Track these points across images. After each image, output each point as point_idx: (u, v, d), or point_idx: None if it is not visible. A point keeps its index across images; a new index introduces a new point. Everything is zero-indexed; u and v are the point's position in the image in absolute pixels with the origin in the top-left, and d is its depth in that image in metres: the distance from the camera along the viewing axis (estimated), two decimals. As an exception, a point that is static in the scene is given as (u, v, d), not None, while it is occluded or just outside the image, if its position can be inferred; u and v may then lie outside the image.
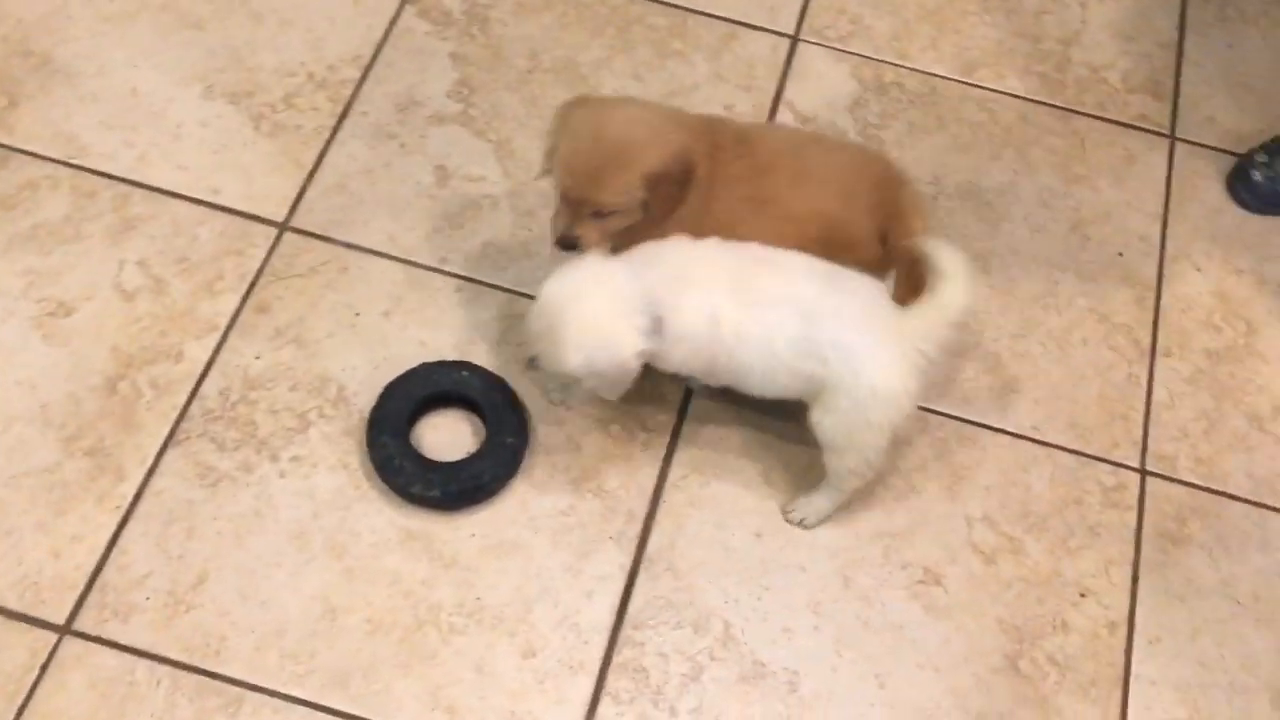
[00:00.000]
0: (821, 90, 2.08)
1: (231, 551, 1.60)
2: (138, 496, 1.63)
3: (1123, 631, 1.65)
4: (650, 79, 2.05)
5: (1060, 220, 1.99)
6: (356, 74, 2.01)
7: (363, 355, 1.76)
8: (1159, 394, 1.84)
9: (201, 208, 1.86)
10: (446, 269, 1.84)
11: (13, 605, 1.55)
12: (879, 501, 1.71)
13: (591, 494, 1.68)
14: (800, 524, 1.67)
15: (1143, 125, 2.10)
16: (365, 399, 1.71)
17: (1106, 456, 1.78)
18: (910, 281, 1.56)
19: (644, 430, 1.73)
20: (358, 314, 1.79)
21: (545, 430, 1.72)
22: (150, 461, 1.65)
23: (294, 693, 1.52)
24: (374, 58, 2.03)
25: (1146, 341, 1.88)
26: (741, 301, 1.49)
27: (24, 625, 1.54)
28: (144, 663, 1.52)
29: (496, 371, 1.72)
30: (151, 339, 1.74)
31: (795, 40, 2.13)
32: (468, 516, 1.65)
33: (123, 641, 1.54)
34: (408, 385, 1.69)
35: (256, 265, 1.82)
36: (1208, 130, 2.11)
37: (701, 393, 1.75)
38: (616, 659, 1.57)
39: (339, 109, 1.97)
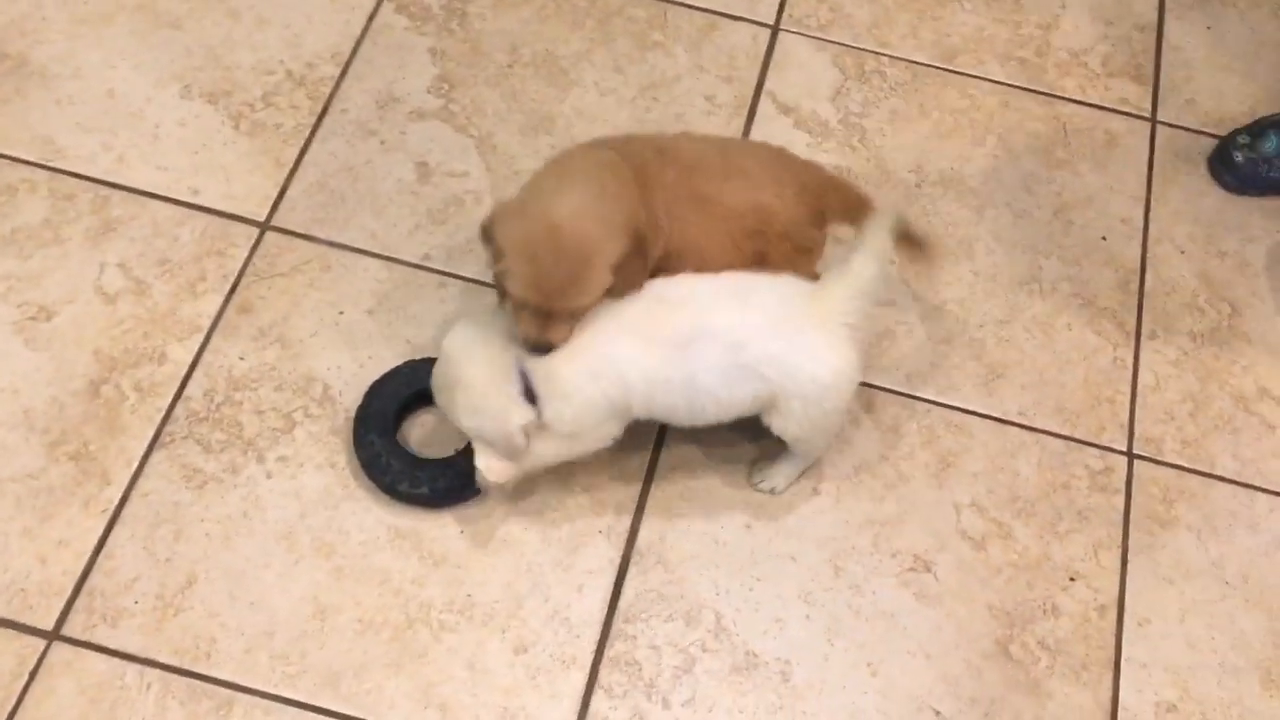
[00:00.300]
0: (803, 80, 2.07)
1: (220, 553, 1.59)
2: (124, 500, 1.62)
3: (1112, 614, 1.66)
4: (631, 71, 2.04)
5: (1043, 205, 1.99)
6: (335, 71, 2.00)
7: (347, 354, 1.75)
8: (1144, 377, 1.84)
9: (182, 208, 1.85)
10: (430, 265, 1.83)
11: (0, 612, 1.54)
12: (868, 490, 1.71)
13: (580, 489, 1.67)
14: (771, 491, 1.68)
15: (1124, 109, 2.11)
16: (351, 397, 1.70)
17: (1093, 440, 1.78)
18: (909, 248, 1.67)
19: (631, 424, 1.72)
20: (341, 312, 1.78)
21: (532, 425, 1.71)
22: (136, 464, 1.64)
23: (285, 694, 1.51)
24: (353, 54, 2.02)
25: (1131, 325, 1.89)
26: (648, 347, 1.48)
27: (12, 632, 1.53)
28: (134, 667, 1.52)
29: (482, 367, 1.71)
30: (134, 341, 1.73)
31: (776, 30, 2.13)
32: (456, 514, 1.64)
33: (112, 646, 1.53)
34: (393, 383, 1.68)
35: (238, 265, 1.81)
36: (1189, 113, 2.11)
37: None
38: (609, 653, 1.57)
39: (318, 107, 1.96)
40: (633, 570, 1.63)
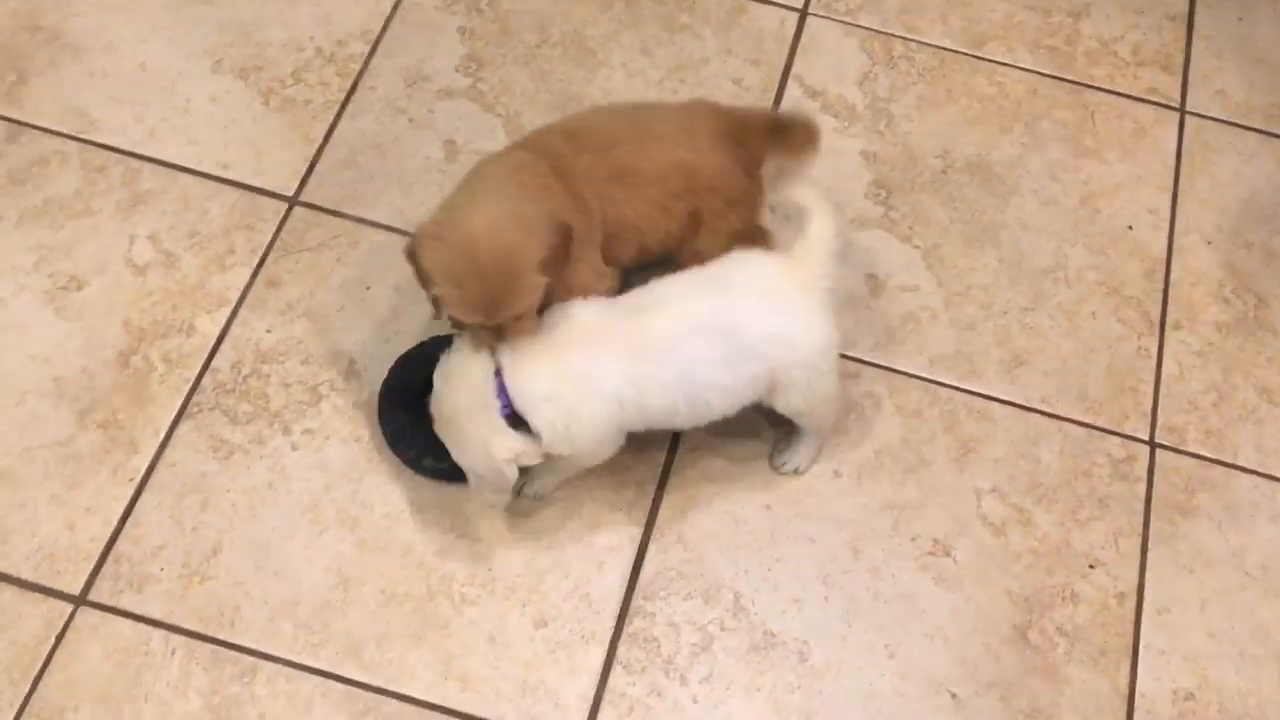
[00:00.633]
0: (830, 64, 2.07)
1: (245, 523, 1.61)
2: (151, 469, 1.64)
3: (1132, 602, 1.66)
4: (658, 53, 2.05)
5: (1070, 193, 1.98)
6: (365, 49, 2.01)
7: (373, 329, 1.76)
8: (1169, 367, 1.84)
9: (211, 182, 1.86)
10: (456, 243, 1.84)
11: (28, 576, 1.56)
12: (888, 474, 1.72)
13: (602, 466, 1.67)
14: (795, 471, 1.69)
15: (1153, 99, 2.10)
16: (376, 372, 1.71)
17: (1116, 429, 1.78)
18: (785, 145, 1.66)
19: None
20: (368, 288, 1.79)
21: (556, 403, 1.72)
22: (163, 434, 1.66)
23: (308, 662, 1.53)
24: (382, 32, 2.03)
25: (1156, 314, 1.88)
26: (631, 356, 1.48)
27: (39, 596, 1.55)
28: (159, 632, 1.54)
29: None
30: (163, 313, 1.75)
31: (804, 14, 2.13)
32: (479, 488, 1.66)
33: (138, 612, 1.55)
34: (418, 358, 1.69)
35: (267, 240, 1.82)
36: (1218, 104, 2.10)
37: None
38: (627, 629, 1.58)
39: (348, 84, 1.97)
40: (653, 548, 1.64)
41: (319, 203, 1.86)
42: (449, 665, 1.54)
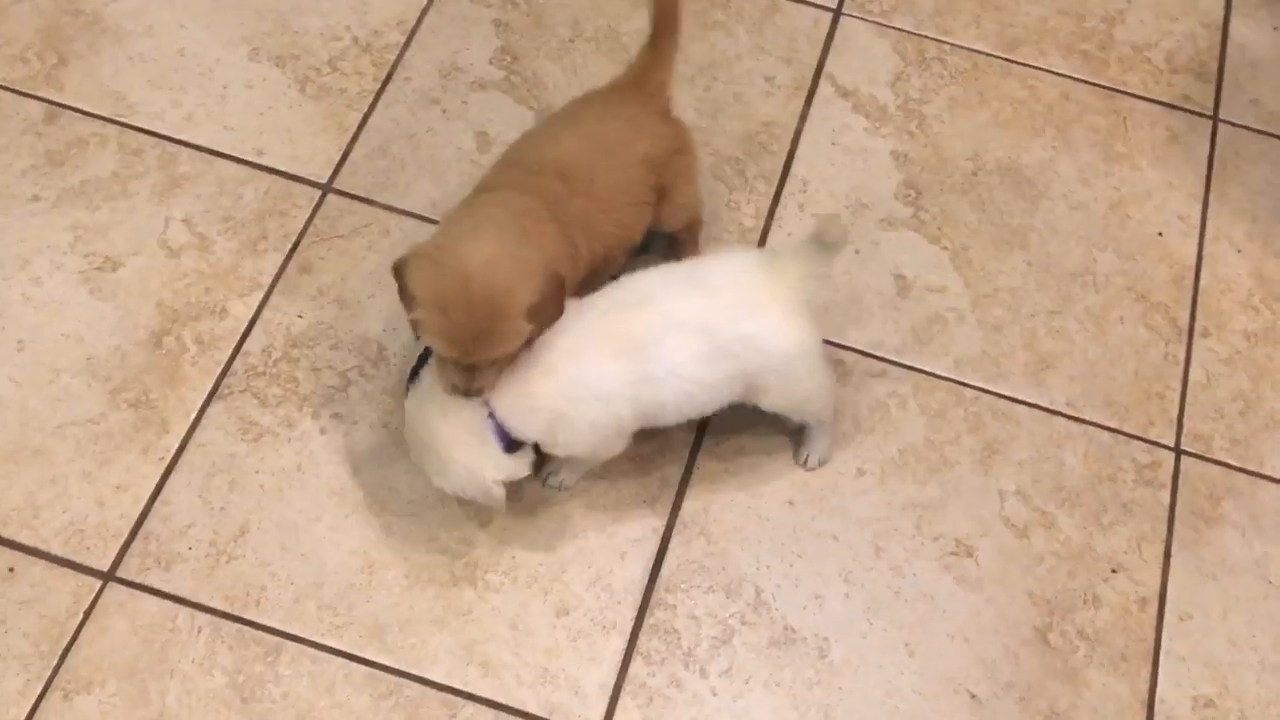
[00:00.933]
0: (863, 64, 2.08)
1: (273, 504, 1.63)
2: (181, 448, 1.66)
3: (1153, 608, 1.66)
4: (691, 49, 2.05)
5: (1100, 198, 1.98)
6: (400, 39, 2.03)
7: (403, 317, 1.75)
8: (1195, 374, 1.84)
9: (246, 168, 1.88)
10: (487, 233, 1.85)
11: (58, 551, 1.58)
12: (912, 473, 1.72)
13: (626, 458, 1.68)
14: (819, 464, 1.70)
15: (1185, 106, 2.09)
16: (405, 359, 1.72)
17: (1141, 434, 1.78)
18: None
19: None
20: (399, 275, 1.80)
21: (582, 394, 1.73)
22: (194, 415, 1.68)
23: (331, 643, 1.55)
24: (418, 23, 2.05)
25: (1184, 321, 1.88)
26: (619, 355, 1.48)
27: (69, 571, 1.57)
28: (185, 610, 1.55)
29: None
30: (196, 295, 1.77)
31: (838, 14, 2.13)
32: (504, 477, 1.67)
33: (165, 589, 1.57)
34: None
35: (300, 226, 1.84)
36: (1251, 112, 2.10)
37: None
38: (648, 620, 1.59)
39: (383, 73, 1.99)
40: (675, 540, 1.65)
41: (352, 190, 1.88)
42: (471, 651, 1.55)
